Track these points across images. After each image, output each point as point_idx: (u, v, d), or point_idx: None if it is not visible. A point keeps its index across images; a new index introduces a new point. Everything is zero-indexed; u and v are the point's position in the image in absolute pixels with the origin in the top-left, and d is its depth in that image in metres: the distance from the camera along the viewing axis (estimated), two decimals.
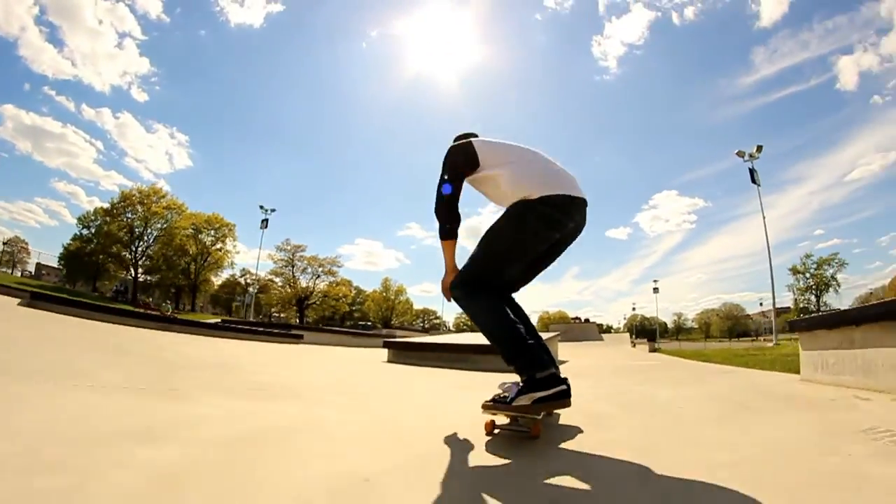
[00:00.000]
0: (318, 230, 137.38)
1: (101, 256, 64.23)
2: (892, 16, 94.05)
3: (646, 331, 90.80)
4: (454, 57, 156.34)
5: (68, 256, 65.87)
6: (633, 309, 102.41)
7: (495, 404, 2.29)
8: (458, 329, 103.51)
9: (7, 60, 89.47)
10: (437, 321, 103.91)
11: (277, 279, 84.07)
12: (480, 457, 1.95)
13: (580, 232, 2.63)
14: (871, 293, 78.74)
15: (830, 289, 79.48)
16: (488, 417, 2.38)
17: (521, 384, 2.20)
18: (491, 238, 2.44)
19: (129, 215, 64.93)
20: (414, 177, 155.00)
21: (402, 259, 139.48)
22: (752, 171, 25.52)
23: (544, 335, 4.03)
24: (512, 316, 2.35)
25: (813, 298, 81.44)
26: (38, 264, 77.97)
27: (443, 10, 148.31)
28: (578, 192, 2.50)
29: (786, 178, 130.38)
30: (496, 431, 2.34)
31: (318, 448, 1.99)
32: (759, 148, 26.28)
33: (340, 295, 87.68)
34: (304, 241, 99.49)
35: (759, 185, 25.64)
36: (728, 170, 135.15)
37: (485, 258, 2.45)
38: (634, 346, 28.20)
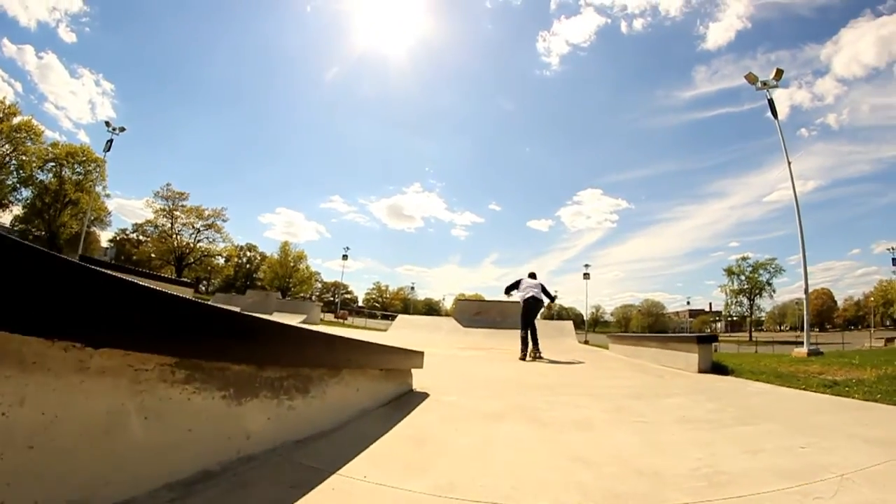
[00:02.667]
0: (239, 196, 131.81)
1: None
2: (831, 61, 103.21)
3: (562, 320, 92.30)
4: (400, 31, 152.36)
5: None
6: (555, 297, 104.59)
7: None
8: (368, 305, 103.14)
9: None
10: (348, 296, 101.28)
11: (154, 230, 75.80)
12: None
13: (537, 303, 10.39)
14: (796, 303, 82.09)
15: (764, 293, 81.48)
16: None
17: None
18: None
19: None
20: (342, 149, 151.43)
21: (322, 232, 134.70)
22: (770, 102, 20.87)
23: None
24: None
25: (746, 301, 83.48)
26: None
27: None
28: (532, 293, 10.31)
29: (709, 190, 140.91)
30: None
31: None
32: (779, 73, 20.99)
33: (225, 254, 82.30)
34: (223, 204, 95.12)
35: (777, 119, 20.82)
36: (654, 176, 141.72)
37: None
38: (587, 342, 26.04)
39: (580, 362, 9.47)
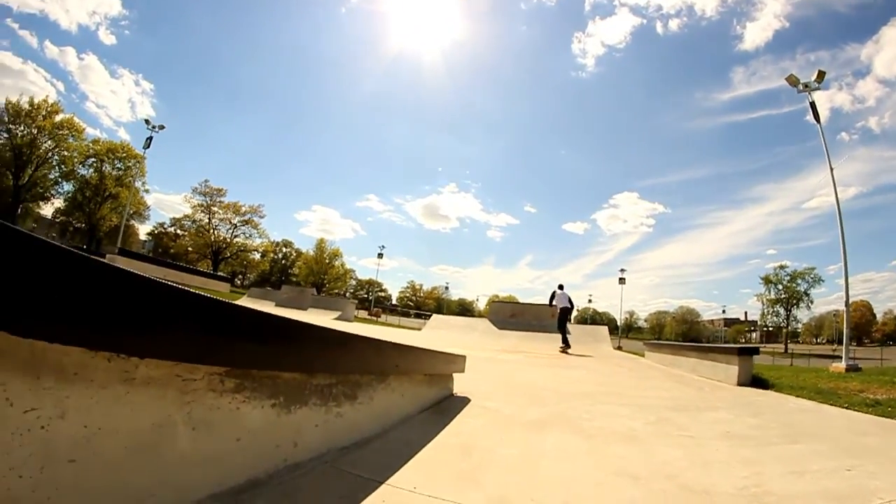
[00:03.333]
0: (275, 193, 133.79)
1: None
2: (872, 61, 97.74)
3: (596, 324, 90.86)
4: (435, 32, 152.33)
5: None
6: (590, 301, 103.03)
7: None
8: (402, 303, 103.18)
9: None
10: (382, 294, 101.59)
11: (192, 225, 77.26)
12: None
13: (566, 311, 14.69)
14: (834, 314, 79.25)
15: (802, 304, 78.50)
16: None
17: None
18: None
19: (21, 131, 55.90)
20: (378, 148, 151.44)
21: (358, 230, 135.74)
22: (812, 105, 19.94)
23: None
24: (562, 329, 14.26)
25: (782, 311, 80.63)
26: None
27: None
28: (563, 304, 14.48)
29: (748, 196, 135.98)
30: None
31: None
32: (821, 74, 20.20)
33: (261, 249, 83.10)
34: (260, 200, 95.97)
35: (819, 123, 20.09)
36: (691, 180, 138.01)
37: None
38: (621, 348, 25.97)
39: (617, 370, 9.42)
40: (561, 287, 14.99)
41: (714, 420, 4.28)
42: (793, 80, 20.31)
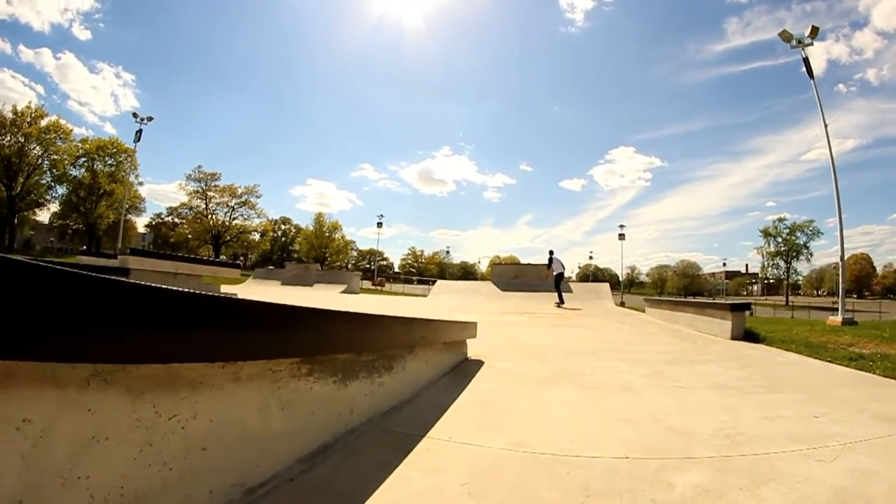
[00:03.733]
0: (269, 170, 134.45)
1: None
2: (870, 12, 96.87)
3: (598, 281, 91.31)
4: None
5: None
6: (591, 258, 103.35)
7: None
8: (404, 270, 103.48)
9: None
10: (384, 262, 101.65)
11: (189, 212, 77.90)
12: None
13: (561, 275, 17.83)
14: (834, 267, 79.09)
15: (801, 256, 77.90)
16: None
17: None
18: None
19: (7, 141, 55.64)
20: (368, 117, 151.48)
21: (354, 200, 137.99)
22: (805, 61, 19.75)
23: None
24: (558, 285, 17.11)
25: (782, 264, 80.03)
26: None
27: None
28: (559, 270, 17.50)
29: (746, 148, 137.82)
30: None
31: None
32: (814, 30, 19.89)
33: (260, 229, 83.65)
34: (253, 180, 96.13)
35: (813, 79, 19.69)
36: (688, 133, 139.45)
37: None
38: (623, 304, 25.46)
39: (618, 326, 9.90)
40: (551, 253, 17.96)
41: (704, 372, 4.72)
42: (786, 36, 19.89)
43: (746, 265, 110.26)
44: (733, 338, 7.60)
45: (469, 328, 4.96)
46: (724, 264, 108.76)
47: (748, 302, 8.88)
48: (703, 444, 2.50)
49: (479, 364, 4.60)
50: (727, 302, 8.60)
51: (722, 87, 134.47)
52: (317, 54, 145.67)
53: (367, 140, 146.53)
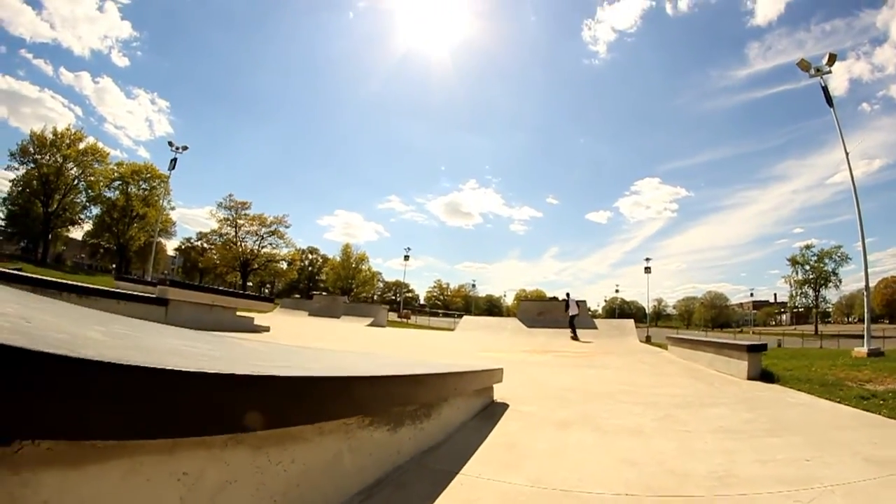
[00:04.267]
0: (298, 201, 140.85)
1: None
2: (888, 27, 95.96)
3: (624, 315, 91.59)
4: (444, 30, 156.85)
5: (8, 217, 60.79)
6: (617, 291, 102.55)
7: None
8: (430, 303, 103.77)
9: None
10: (410, 294, 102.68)
11: (218, 239, 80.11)
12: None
13: (575, 316, 19.83)
14: (863, 293, 76.78)
15: (830, 283, 77.04)
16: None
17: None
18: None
19: (47, 160, 58.93)
20: (395, 150, 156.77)
21: (381, 232, 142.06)
22: (824, 90, 19.45)
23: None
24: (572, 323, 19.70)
25: (811, 292, 79.26)
26: None
27: None
28: (573, 312, 19.82)
29: (771, 174, 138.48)
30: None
31: None
32: (832, 58, 19.58)
33: (288, 258, 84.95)
34: (284, 211, 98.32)
35: (833, 108, 19.49)
36: (712, 161, 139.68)
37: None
38: (649, 338, 26.55)
39: (639, 367, 10.18)
40: (568, 295, 20.79)
41: (713, 416, 5.06)
42: (804, 66, 20.18)
43: (775, 294, 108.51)
44: (749, 378, 7.89)
45: (496, 374, 5.38)
46: (752, 294, 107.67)
47: (764, 343, 9.12)
48: (696, 485, 2.88)
49: (504, 407, 5.01)
50: (744, 343, 8.85)
51: (745, 114, 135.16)
52: (345, 87, 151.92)
53: (395, 172, 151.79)
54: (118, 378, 1.16)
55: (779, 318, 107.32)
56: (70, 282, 11.76)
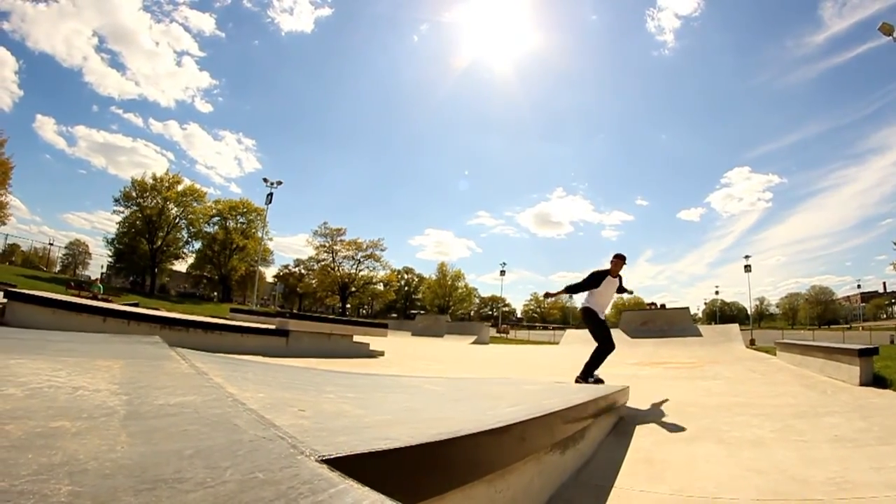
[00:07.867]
0: (388, 222, 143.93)
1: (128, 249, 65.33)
2: None
3: (725, 317, 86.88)
4: (506, 43, 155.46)
5: (116, 255, 66.81)
6: (717, 292, 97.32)
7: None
8: (527, 316, 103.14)
9: (74, 87, 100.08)
10: (506, 308, 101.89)
11: (316, 265, 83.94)
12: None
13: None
14: None
15: None
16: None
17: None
18: None
19: (149, 203, 64.60)
20: (479, 165, 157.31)
21: (473, 248, 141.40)
22: None
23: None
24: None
25: None
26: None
27: None
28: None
29: (867, 146, 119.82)
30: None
31: None
32: None
33: (385, 280, 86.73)
34: (375, 233, 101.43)
35: None
36: (802, 141, 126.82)
37: None
38: (753, 342, 25.17)
39: (749, 376, 10.17)
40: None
41: (827, 425, 5.30)
42: (886, 29, 18.32)
43: (884, 283, 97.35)
44: (862, 384, 7.81)
45: (624, 392, 5.92)
46: (859, 285, 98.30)
47: (876, 347, 8.81)
48: (816, 490, 3.34)
49: (632, 423, 5.53)
50: (855, 347, 8.70)
51: (830, 82, 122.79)
52: (420, 109, 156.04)
53: (482, 187, 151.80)
54: (447, 450, 1.83)
55: (890, 309, 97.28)
56: (208, 320, 13.40)
